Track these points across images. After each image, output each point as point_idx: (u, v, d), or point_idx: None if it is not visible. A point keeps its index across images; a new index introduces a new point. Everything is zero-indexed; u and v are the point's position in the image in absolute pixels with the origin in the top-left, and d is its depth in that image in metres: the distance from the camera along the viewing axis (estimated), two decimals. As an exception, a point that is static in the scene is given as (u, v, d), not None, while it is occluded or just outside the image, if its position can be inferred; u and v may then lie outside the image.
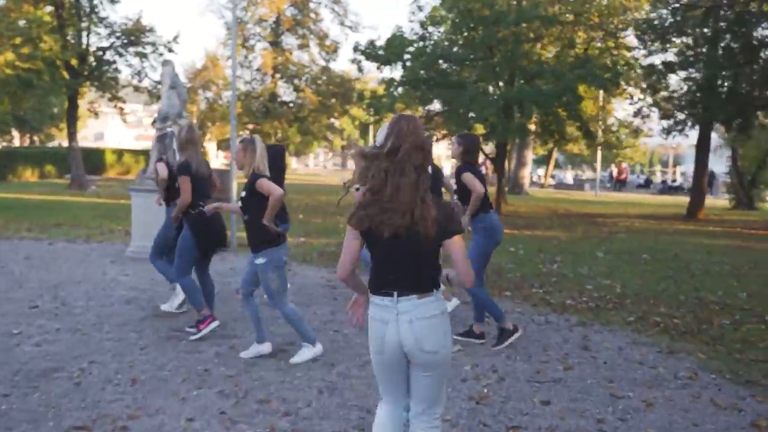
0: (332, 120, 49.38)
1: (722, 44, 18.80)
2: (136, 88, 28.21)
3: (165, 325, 6.83)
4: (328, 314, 7.42)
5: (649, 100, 26.14)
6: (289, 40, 45.71)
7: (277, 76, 45.03)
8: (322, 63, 45.38)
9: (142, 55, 26.00)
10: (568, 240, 15.01)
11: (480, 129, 18.79)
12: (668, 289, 9.48)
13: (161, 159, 7.39)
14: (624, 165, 55.26)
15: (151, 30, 26.02)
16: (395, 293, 3.09)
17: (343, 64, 79.56)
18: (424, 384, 3.18)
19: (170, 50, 26.16)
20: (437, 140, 22.67)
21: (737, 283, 10.25)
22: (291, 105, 45.73)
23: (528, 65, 19.53)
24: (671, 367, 5.86)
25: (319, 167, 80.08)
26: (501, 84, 20.14)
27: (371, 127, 22.45)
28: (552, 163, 49.68)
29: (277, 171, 6.89)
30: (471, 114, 18.77)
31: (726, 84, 17.98)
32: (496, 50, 19.60)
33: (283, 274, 5.71)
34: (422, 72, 18.87)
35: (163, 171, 7.17)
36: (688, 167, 74.28)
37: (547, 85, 17.99)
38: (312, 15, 44.80)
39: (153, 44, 26.04)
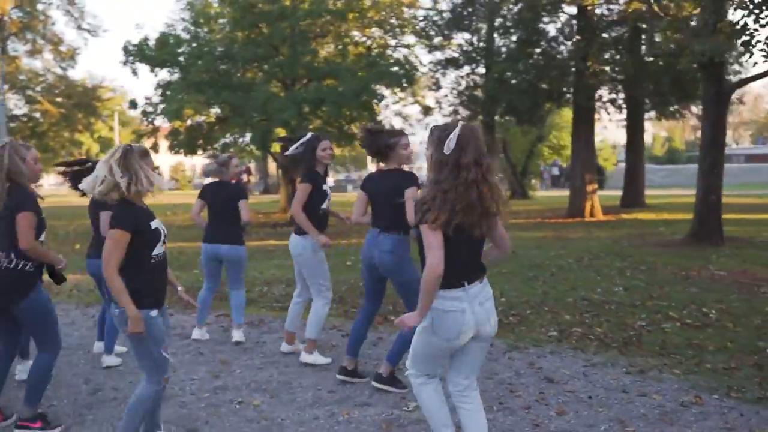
0: (74, 134, 44.54)
1: (513, 38, 19.14)
2: None
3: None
4: (210, 378, 5.65)
5: (411, 99, 26.42)
6: (17, 46, 40.43)
7: (6, 86, 39.57)
8: (59, 71, 40.70)
9: None
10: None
11: (282, 133, 17.32)
12: (548, 293, 8.88)
13: None
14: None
15: None
16: (465, 282, 3.41)
17: (81, 72, 72.37)
18: (479, 356, 3.63)
19: None
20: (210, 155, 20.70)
21: (599, 277, 9.99)
22: (25, 119, 40.45)
23: (316, 64, 18.43)
24: (664, 392, 5.03)
25: (54, 187, 70.99)
26: (288, 84, 18.85)
27: (144, 139, 19.86)
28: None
29: None
30: (256, 117, 17.20)
31: (516, 77, 18.26)
32: (281, 48, 18.27)
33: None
34: (205, 74, 16.95)
35: None
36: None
37: (343, 85, 17.02)
38: (42, 17, 39.97)
39: None
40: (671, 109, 20.03)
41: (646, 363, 5.71)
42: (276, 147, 18.27)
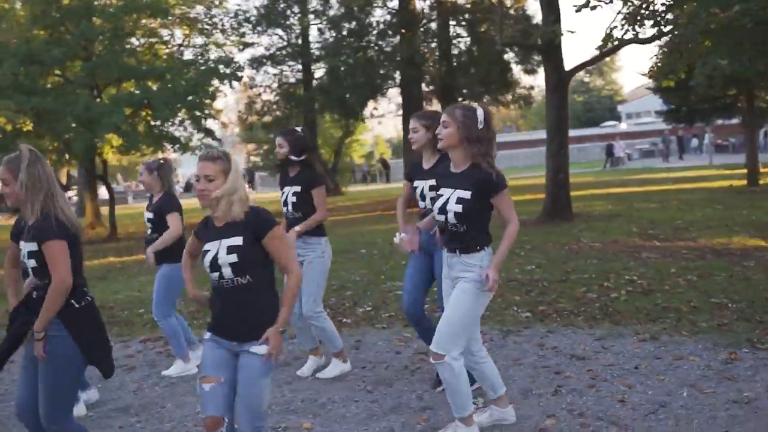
0: None
1: (338, 32, 18.92)
2: None
3: None
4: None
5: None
6: None
7: None
8: None
9: None
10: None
11: (115, 140, 15.63)
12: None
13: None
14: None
15: None
16: None
17: None
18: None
19: None
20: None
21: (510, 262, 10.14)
22: None
23: (132, 63, 17.04)
24: (697, 353, 5.23)
25: None
26: (95, 87, 17.26)
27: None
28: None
29: None
30: (74, 125, 15.49)
31: (347, 72, 18.07)
32: (91, 48, 16.68)
33: None
34: (8, 78, 14.93)
35: None
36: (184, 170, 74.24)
37: (171, 84, 15.90)
38: None
39: None
40: (487, 98, 21.05)
41: (648, 330, 5.87)
42: (108, 153, 16.64)
